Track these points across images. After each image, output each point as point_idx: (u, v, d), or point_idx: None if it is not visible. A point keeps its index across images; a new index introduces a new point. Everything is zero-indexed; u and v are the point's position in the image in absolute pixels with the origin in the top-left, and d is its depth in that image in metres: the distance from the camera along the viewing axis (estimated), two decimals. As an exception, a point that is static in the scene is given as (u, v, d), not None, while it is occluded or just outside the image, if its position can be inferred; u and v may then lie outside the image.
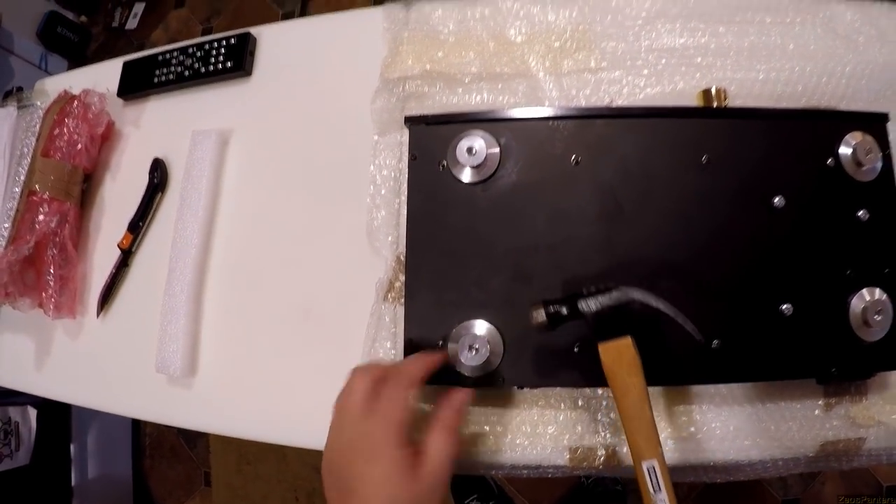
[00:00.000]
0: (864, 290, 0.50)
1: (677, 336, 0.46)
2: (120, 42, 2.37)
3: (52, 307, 0.71)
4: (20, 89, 0.94)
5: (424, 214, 0.54)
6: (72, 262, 0.73)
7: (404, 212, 0.57)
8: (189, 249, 0.67)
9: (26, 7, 2.19)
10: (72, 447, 1.67)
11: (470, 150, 0.53)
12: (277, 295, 0.66)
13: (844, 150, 0.51)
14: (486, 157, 0.53)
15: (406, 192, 0.56)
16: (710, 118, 0.54)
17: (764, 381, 0.53)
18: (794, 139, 0.52)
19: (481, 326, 0.51)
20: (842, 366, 0.50)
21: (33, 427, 1.54)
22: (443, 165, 0.54)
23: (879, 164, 0.52)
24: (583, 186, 0.53)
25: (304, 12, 2.12)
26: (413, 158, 0.55)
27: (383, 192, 0.62)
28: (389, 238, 0.60)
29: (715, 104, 0.56)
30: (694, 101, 0.58)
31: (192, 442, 1.87)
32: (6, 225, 0.72)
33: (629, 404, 0.44)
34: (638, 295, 0.45)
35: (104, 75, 0.81)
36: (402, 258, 0.57)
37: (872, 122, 0.53)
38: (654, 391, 0.53)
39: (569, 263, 0.51)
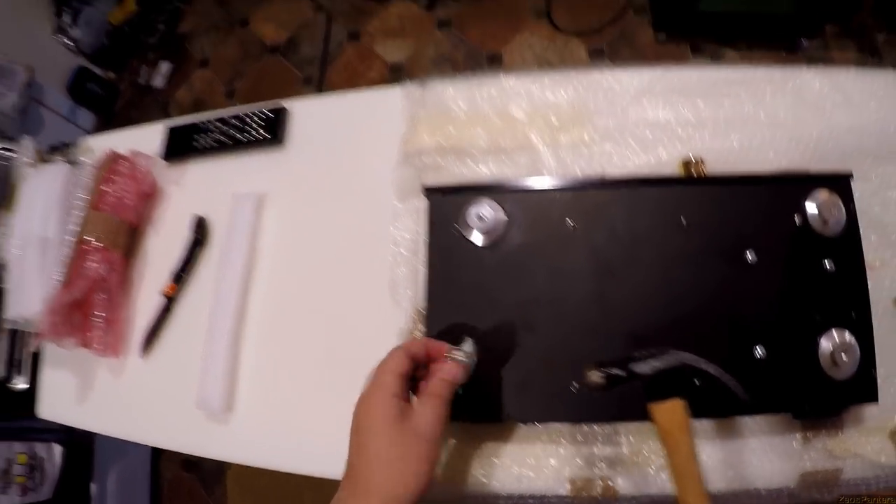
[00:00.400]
0: (833, 332, 0.53)
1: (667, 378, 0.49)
2: (146, 99, 2.38)
3: (99, 346, 0.74)
4: (66, 145, 1.00)
5: (441, 272, 0.59)
6: (117, 306, 0.77)
7: (422, 269, 0.62)
8: (230, 299, 0.72)
9: (57, 62, 2.24)
10: (92, 486, 1.69)
11: (479, 216, 0.58)
12: (308, 341, 0.70)
13: (811, 208, 0.55)
14: (493, 223, 0.58)
15: (424, 252, 0.61)
16: (688, 185, 0.59)
17: (743, 415, 0.56)
18: (764, 200, 0.56)
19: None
20: (814, 402, 0.52)
21: (58, 463, 1.57)
22: (456, 230, 0.59)
23: (844, 219, 0.55)
24: (579, 248, 0.57)
25: (322, 77, 2.14)
26: (431, 224, 0.61)
27: (403, 252, 0.67)
28: (409, 292, 0.65)
29: (693, 172, 0.61)
30: (675, 168, 0.62)
31: (209, 488, 1.82)
32: (60, 270, 0.76)
33: (679, 462, 0.45)
34: (689, 359, 0.47)
35: (145, 136, 0.86)
36: (421, 310, 0.62)
37: (838, 181, 0.56)
38: (645, 426, 0.57)
39: (567, 315, 0.56)
